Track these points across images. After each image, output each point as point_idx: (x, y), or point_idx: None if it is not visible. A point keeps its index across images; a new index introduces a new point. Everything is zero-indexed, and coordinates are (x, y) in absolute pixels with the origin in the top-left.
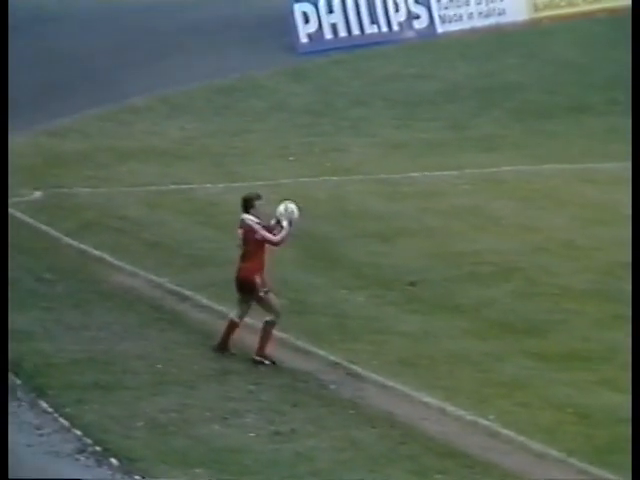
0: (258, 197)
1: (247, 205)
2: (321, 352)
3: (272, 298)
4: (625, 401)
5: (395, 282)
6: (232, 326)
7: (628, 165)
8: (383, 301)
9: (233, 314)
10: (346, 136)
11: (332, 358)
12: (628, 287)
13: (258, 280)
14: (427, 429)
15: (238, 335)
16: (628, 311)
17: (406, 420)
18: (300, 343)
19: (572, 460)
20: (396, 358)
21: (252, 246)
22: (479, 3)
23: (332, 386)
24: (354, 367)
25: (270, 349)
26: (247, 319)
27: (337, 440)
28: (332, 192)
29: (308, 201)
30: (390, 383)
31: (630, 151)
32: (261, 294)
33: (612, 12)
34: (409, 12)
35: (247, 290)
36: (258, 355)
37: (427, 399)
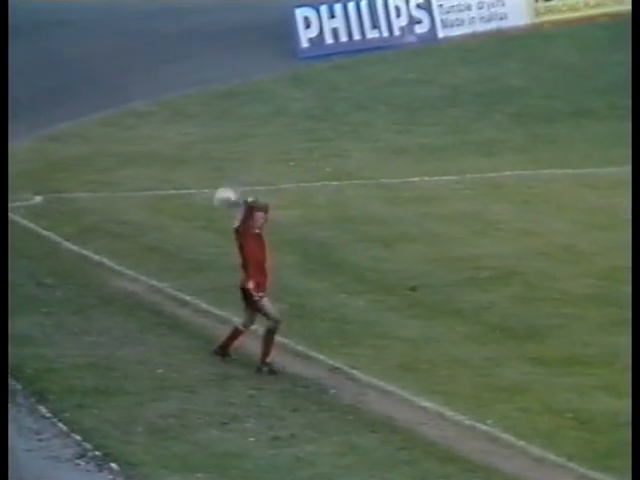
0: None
1: None
2: (321, 357)
3: (267, 304)
4: (625, 406)
5: (396, 287)
6: (235, 333)
7: (629, 169)
8: (383, 306)
9: (238, 321)
10: (347, 141)
11: (332, 363)
12: (628, 291)
13: (251, 285)
14: (427, 434)
15: (240, 340)
16: (629, 315)
17: (406, 425)
18: (300, 348)
19: (572, 465)
20: (396, 363)
21: (243, 251)
22: (481, 8)
23: (332, 391)
24: (354, 372)
25: (272, 356)
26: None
27: (337, 445)
28: (332, 197)
29: (309, 206)
30: (390, 388)
31: (630, 155)
32: (255, 299)
33: (613, 17)
34: (410, 17)
35: (244, 297)
36: (261, 362)
37: (427, 404)
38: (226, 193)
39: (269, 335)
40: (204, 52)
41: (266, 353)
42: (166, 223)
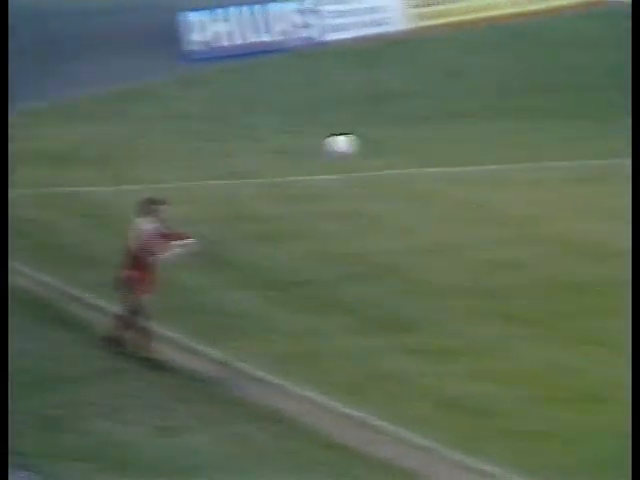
0: (161, 202)
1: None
2: (209, 350)
3: (135, 299)
4: (492, 392)
5: (282, 282)
6: (121, 321)
7: (504, 167)
8: (270, 301)
9: (120, 310)
10: (237, 141)
11: (220, 356)
12: (497, 283)
13: (128, 275)
14: (310, 423)
15: (131, 333)
16: (497, 307)
17: (290, 415)
18: (189, 342)
19: (444, 449)
20: (281, 355)
21: (139, 246)
22: (365, 13)
23: (220, 383)
24: (241, 365)
25: (161, 349)
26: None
27: (223, 435)
28: (222, 195)
29: (199, 204)
30: (275, 380)
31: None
32: (126, 291)
33: (490, 21)
34: (300, 21)
35: (123, 287)
36: (143, 355)
37: (310, 394)
38: (340, 143)
39: (140, 328)
40: (98, 54)
41: (143, 345)
42: (59, 220)
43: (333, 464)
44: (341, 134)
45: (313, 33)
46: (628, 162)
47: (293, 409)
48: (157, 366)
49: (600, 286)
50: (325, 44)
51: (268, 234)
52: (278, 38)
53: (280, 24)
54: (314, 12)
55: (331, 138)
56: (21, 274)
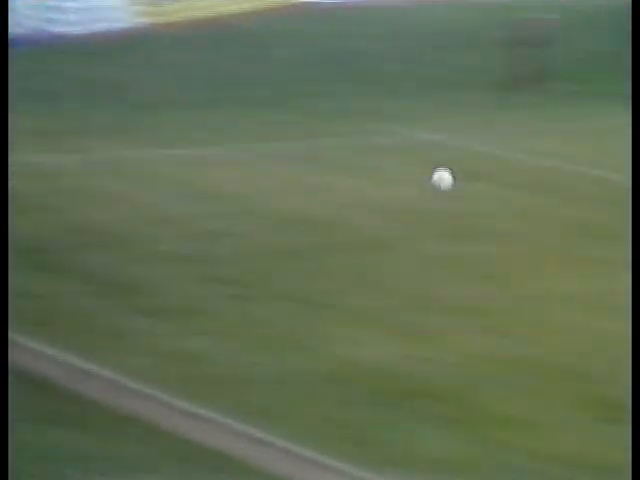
0: None
1: None
2: None
3: None
4: (206, 345)
5: (26, 250)
6: None
7: (220, 150)
8: (15, 266)
9: None
10: None
11: None
12: (215, 251)
13: None
14: (53, 378)
15: None
16: (214, 271)
17: (36, 371)
18: None
19: (167, 397)
20: (25, 317)
21: None
22: (102, 11)
23: None
24: None
25: None
26: None
27: None
28: None
29: None
30: (21, 339)
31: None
32: None
33: (209, 20)
34: (44, 16)
35: None
36: None
37: (52, 352)
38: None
39: None
40: None
41: None
42: None
43: (76, 416)
44: (443, 170)
45: (57, 28)
46: (320, 142)
47: (38, 366)
48: None
49: (306, 251)
50: (67, 38)
51: (16, 208)
52: (23, 31)
53: (24, 19)
54: (57, 8)
55: (437, 174)
56: None
